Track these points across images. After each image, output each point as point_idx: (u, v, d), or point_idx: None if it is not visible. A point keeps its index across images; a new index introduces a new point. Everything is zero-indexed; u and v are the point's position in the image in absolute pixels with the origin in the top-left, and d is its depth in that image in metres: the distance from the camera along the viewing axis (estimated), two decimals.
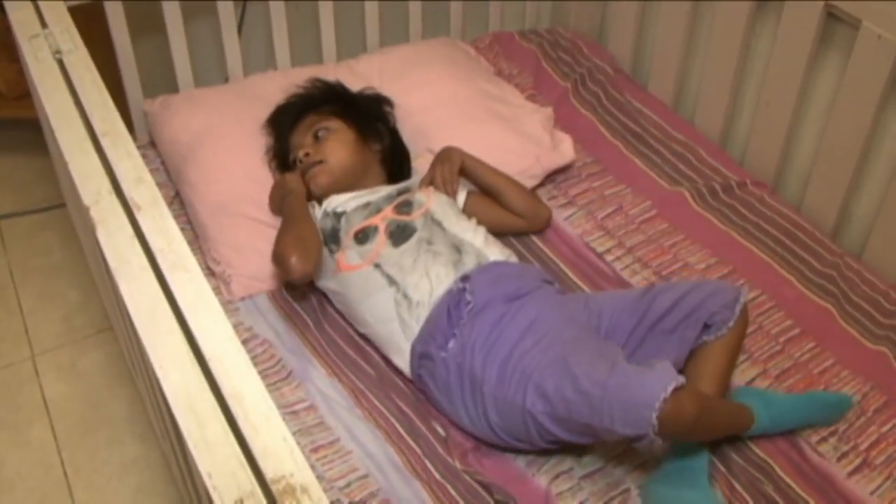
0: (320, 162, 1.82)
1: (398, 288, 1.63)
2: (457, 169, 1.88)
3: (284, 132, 1.91)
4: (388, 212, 1.73)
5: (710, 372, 1.54)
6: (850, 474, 1.52)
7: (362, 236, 1.70)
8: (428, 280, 1.62)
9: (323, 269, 1.74)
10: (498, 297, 1.59)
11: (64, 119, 1.41)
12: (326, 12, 2.22)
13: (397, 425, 1.58)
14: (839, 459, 1.54)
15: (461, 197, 1.87)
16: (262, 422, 0.98)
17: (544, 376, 1.42)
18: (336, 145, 1.84)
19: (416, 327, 1.60)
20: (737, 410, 1.53)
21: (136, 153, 1.34)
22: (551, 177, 2.07)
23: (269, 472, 0.94)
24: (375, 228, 1.71)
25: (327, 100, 1.94)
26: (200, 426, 0.99)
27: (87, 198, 1.28)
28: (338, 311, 1.77)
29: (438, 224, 1.72)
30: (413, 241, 1.68)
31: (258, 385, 1.02)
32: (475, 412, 1.52)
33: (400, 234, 1.69)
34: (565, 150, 2.08)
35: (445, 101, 2.06)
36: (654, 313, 1.55)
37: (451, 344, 1.54)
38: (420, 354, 1.58)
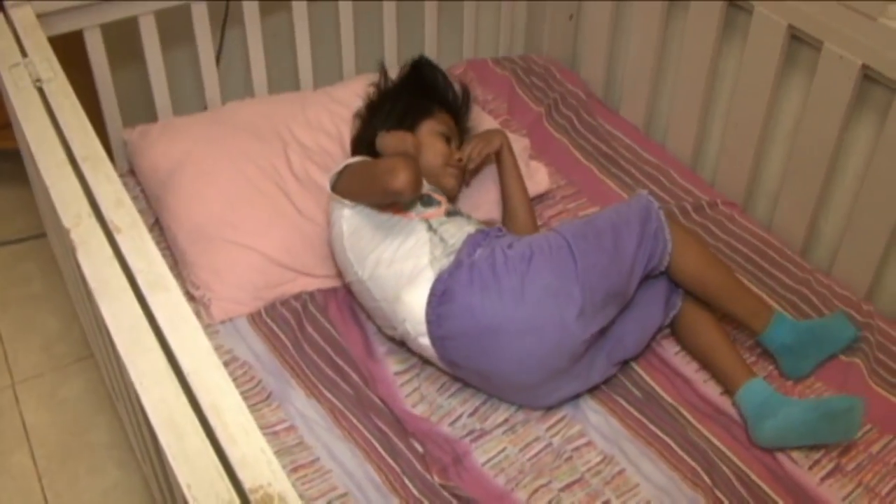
0: (462, 177, 1.95)
1: (435, 233, 1.72)
2: (489, 152, 1.98)
3: (444, 104, 2.00)
4: (447, 205, 1.83)
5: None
6: (823, 479, 1.55)
7: (427, 200, 1.80)
8: (462, 232, 1.74)
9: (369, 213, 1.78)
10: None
11: (44, 145, 1.44)
12: (303, 40, 2.26)
13: (376, 444, 1.60)
14: (811, 467, 1.57)
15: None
16: (240, 433, 1.00)
17: (566, 224, 1.72)
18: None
19: (445, 262, 1.67)
20: (745, 284, 1.80)
21: (115, 177, 1.36)
22: None
23: (248, 482, 0.96)
24: (439, 202, 1.81)
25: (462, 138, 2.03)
26: (179, 439, 1.01)
27: (67, 221, 1.30)
28: (317, 332, 1.79)
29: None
30: (458, 217, 1.80)
31: (236, 398, 1.04)
32: (514, 289, 1.59)
33: (453, 214, 1.80)
34: (540, 179, 2.13)
35: None
36: None
37: (479, 252, 1.67)
38: (448, 273, 1.63)
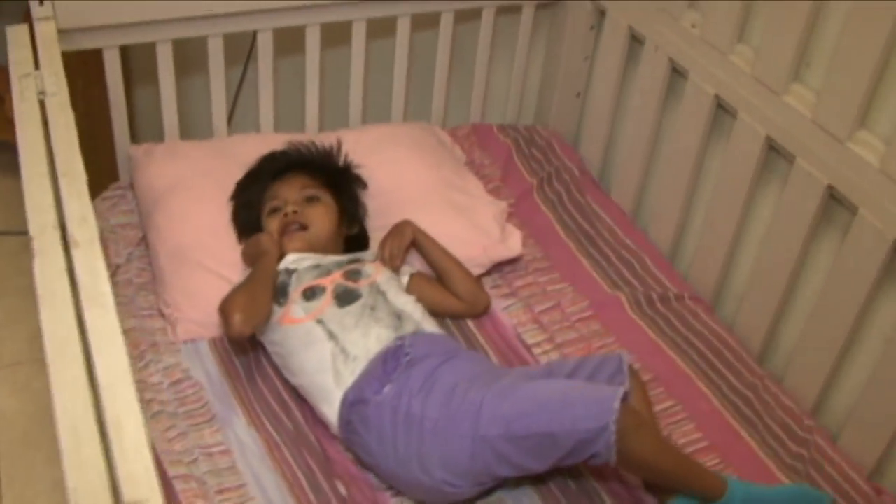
0: (304, 227, 1.92)
1: (337, 342, 1.73)
2: (406, 244, 1.99)
3: (267, 179, 2.00)
4: (337, 276, 1.84)
5: None
6: None
7: (310, 294, 1.81)
8: (367, 338, 1.73)
9: (267, 321, 1.83)
10: (434, 352, 1.72)
11: (31, 155, 1.54)
12: (312, 83, 2.34)
13: (302, 479, 1.66)
14: None
15: (405, 278, 1.98)
16: (132, 450, 1.08)
17: (497, 401, 1.56)
18: (322, 217, 1.95)
19: (350, 379, 1.69)
20: (697, 464, 1.65)
21: (86, 194, 1.45)
22: (498, 267, 2.17)
23: (127, 496, 1.03)
24: (323, 289, 1.81)
25: (326, 170, 2.05)
26: (78, 446, 1.08)
27: (33, 229, 1.39)
28: (271, 366, 1.86)
29: (383, 294, 1.83)
30: (358, 304, 1.79)
31: (138, 418, 1.12)
32: (406, 452, 1.59)
33: (346, 297, 1.80)
34: (512, 243, 2.17)
35: (407, 184, 2.16)
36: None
37: (387, 389, 1.64)
38: (352, 401, 1.66)
